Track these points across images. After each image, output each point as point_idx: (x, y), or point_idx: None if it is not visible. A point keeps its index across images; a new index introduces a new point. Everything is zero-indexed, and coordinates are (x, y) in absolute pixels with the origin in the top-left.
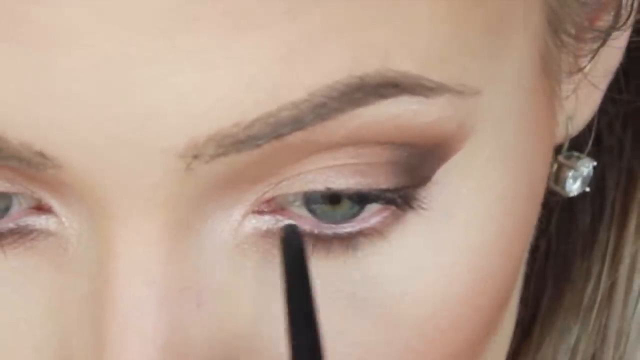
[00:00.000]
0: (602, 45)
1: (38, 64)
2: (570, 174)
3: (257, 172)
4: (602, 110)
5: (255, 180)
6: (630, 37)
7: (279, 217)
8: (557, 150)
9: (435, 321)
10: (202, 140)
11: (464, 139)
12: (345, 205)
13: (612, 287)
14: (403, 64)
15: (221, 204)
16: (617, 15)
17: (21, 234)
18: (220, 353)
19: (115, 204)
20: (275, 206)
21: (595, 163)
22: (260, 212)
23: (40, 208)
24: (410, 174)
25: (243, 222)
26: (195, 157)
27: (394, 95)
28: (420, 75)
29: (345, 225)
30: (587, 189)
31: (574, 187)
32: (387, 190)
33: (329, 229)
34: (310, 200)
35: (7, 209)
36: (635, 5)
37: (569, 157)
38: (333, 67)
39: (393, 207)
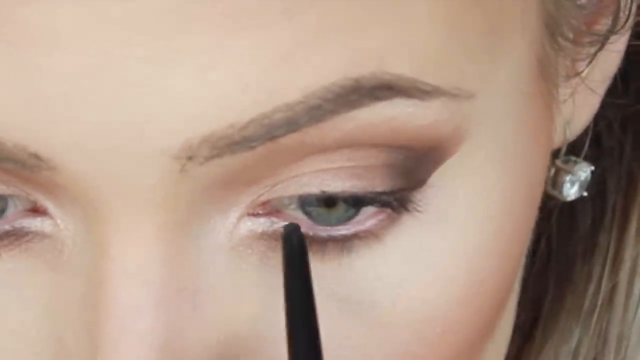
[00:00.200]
0: (600, 49)
1: (33, 65)
2: (568, 178)
3: (252, 174)
4: (602, 113)
5: (251, 182)
6: (630, 40)
7: (274, 219)
8: (555, 154)
9: (432, 324)
10: (197, 141)
11: (460, 142)
12: (341, 208)
13: (612, 290)
14: (399, 67)
15: (216, 206)
16: (616, 19)
17: (16, 235)
18: (217, 355)
19: (110, 206)
20: (270, 208)
21: (592, 167)
22: (256, 215)
23: (36, 210)
24: (405, 176)
25: (238, 224)
26: (190, 158)
27: (389, 97)
28: (416, 78)
29: (340, 227)
30: (585, 193)
31: (571, 191)
32: (383, 193)
33: (323, 231)
34: (305, 202)
35: (2, 211)
36: (634, 8)
37: (566, 162)
38: (328, 69)
39: (389, 210)
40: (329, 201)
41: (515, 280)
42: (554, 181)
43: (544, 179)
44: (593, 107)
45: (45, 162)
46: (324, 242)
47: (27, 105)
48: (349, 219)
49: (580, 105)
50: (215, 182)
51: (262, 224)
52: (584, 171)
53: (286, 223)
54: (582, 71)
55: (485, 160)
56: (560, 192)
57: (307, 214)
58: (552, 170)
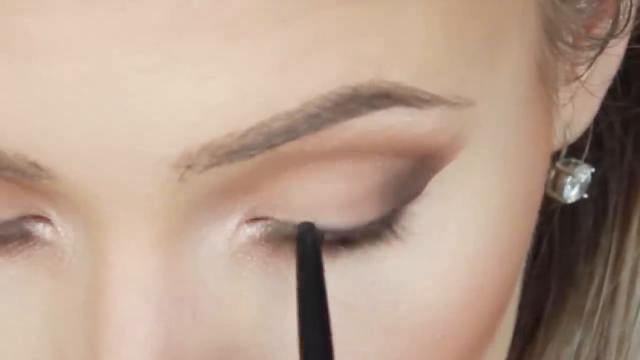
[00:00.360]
0: (600, 53)
1: (32, 74)
2: (568, 180)
3: (251, 182)
4: (603, 114)
5: (249, 191)
6: (630, 43)
7: (268, 222)
8: (555, 157)
9: (432, 328)
10: (196, 150)
11: (458, 149)
12: None
13: (614, 291)
14: (397, 75)
15: (215, 214)
16: (615, 23)
17: (21, 240)
18: None
19: (109, 214)
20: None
21: (593, 169)
22: (254, 220)
23: (38, 216)
24: (401, 193)
25: (237, 231)
26: (189, 167)
27: (387, 106)
28: (414, 87)
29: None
30: (586, 195)
31: (571, 193)
32: (373, 222)
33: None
34: None
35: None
36: (633, 12)
37: (566, 164)
38: (327, 78)
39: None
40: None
41: (516, 284)
42: (555, 183)
43: (543, 182)
44: (593, 109)
45: (45, 170)
46: (323, 248)
47: (27, 114)
48: None
49: (580, 108)
50: (214, 190)
51: (259, 229)
52: (585, 173)
53: (300, 222)
54: (582, 75)
55: (484, 166)
56: (561, 194)
57: None
58: (553, 173)
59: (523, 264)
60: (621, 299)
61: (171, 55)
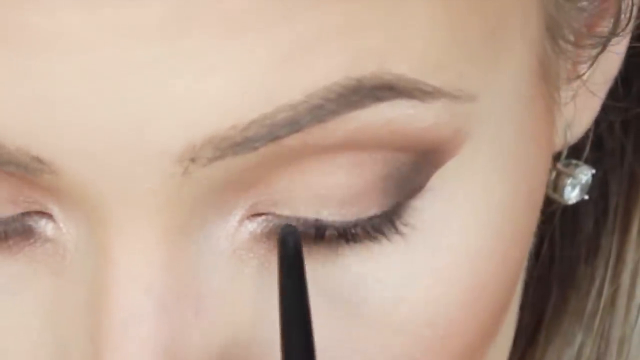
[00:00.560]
0: (602, 51)
1: (34, 69)
2: (569, 181)
3: (254, 176)
4: (603, 115)
5: (252, 185)
6: (631, 42)
7: (272, 217)
8: (556, 157)
9: (433, 327)
10: (199, 143)
11: (460, 145)
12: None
13: (615, 293)
14: (400, 68)
15: (218, 210)
16: (617, 21)
17: (22, 236)
18: (219, 359)
19: (112, 210)
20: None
21: (593, 171)
22: (255, 215)
23: (41, 212)
24: (403, 187)
25: (239, 228)
26: (193, 160)
27: (390, 98)
28: (417, 79)
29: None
30: (586, 197)
31: (572, 194)
32: (374, 217)
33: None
34: None
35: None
36: (635, 11)
37: (567, 165)
38: (330, 69)
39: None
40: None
41: (517, 283)
42: (555, 184)
43: (545, 181)
44: (594, 109)
45: (47, 165)
46: (324, 244)
47: (29, 108)
48: None
49: (581, 108)
50: (218, 185)
51: (260, 224)
52: (585, 174)
53: (283, 224)
54: (583, 74)
55: (486, 163)
56: (561, 195)
57: None
58: (553, 174)
59: (525, 263)
60: (622, 300)
61: (173, 49)
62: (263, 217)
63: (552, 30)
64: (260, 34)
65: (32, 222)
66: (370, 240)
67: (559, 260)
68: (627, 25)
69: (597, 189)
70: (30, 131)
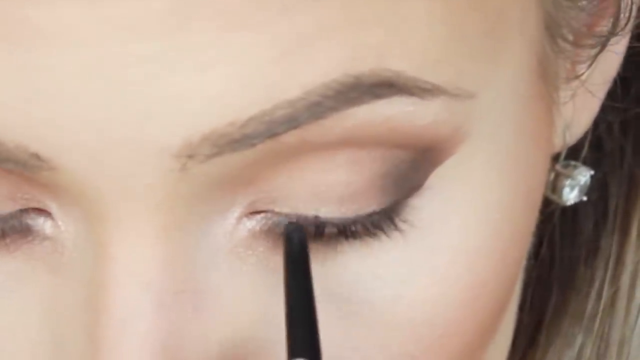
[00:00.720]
0: (601, 51)
1: (32, 64)
2: (567, 182)
3: (252, 173)
4: (602, 116)
5: (250, 183)
6: (630, 42)
7: (269, 214)
8: (555, 158)
9: (431, 326)
10: (197, 139)
11: (459, 143)
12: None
13: (615, 295)
14: (399, 65)
15: (216, 206)
16: (616, 21)
17: (20, 234)
18: (217, 356)
19: (110, 206)
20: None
21: (592, 172)
22: (254, 213)
23: (39, 210)
24: (401, 185)
25: (238, 225)
26: (190, 157)
27: (389, 95)
28: (416, 77)
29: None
30: (585, 198)
31: (570, 196)
32: (373, 214)
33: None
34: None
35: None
36: (634, 10)
37: (566, 166)
38: (328, 66)
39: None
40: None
41: (516, 283)
42: (554, 185)
43: (544, 181)
44: (593, 110)
45: (45, 162)
46: (323, 241)
47: (27, 104)
48: None
49: (580, 108)
50: (216, 182)
51: (259, 222)
52: (584, 176)
53: (288, 221)
54: (583, 74)
55: (484, 162)
56: (560, 196)
57: None
58: (552, 175)
59: (524, 263)
60: (621, 302)
61: (172, 44)
62: (262, 214)
63: (551, 29)
64: (259, 30)
65: (30, 219)
66: (369, 237)
67: (558, 262)
68: (626, 24)
69: (597, 190)
70: (29, 128)
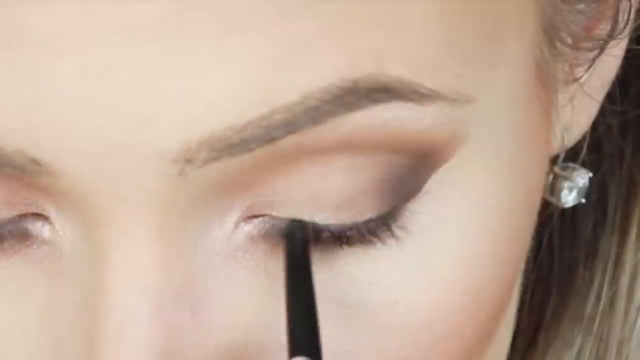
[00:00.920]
0: (599, 54)
1: (31, 70)
2: (566, 185)
3: (250, 178)
4: (602, 118)
5: (248, 187)
6: (629, 45)
7: (267, 219)
8: (553, 161)
9: (429, 329)
10: (195, 144)
11: (457, 147)
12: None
13: (614, 296)
14: (396, 69)
15: (214, 211)
16: (614, 24)
17: (18, 238)
18: None
19: (109, 211)
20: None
21: (591, 174)
22: (252, 217)
23: (37, 214)
24: (399, 190)
25: (236, 229)
26: (189, 161)
27: (387, 100)
28: (413, 81)
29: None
30: (584, 200)
31: (569, 198)
32: (370, 220)
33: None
34: None
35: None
36: (632, 14)
37: (564, 168)
38: (326, 71)
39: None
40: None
41: (515, 286)
42: (552, 188)
43: (542, 184)
44: (591, 113)
45: (44, 166)
46: (320, 246)
47: (26, 109)
48: None
49: (578, 111)
50: (214, 186)
51: (257, 225)
52: (582, 178)
53: (290, 220)
54: (581, 77)
55: (483, 166)
56: (558, 198)
57: None
58: (550, 177)
59: (522, 266)
60: (620, 303)
61: (170, 48)
62: (260, 218)
63: (550, 33)
64: (257, 34)
65: (28, 224)
66: (365, 244)
67: (558, 264)
68: (624, 28)
69: (596, 192)
70: (28, 132)
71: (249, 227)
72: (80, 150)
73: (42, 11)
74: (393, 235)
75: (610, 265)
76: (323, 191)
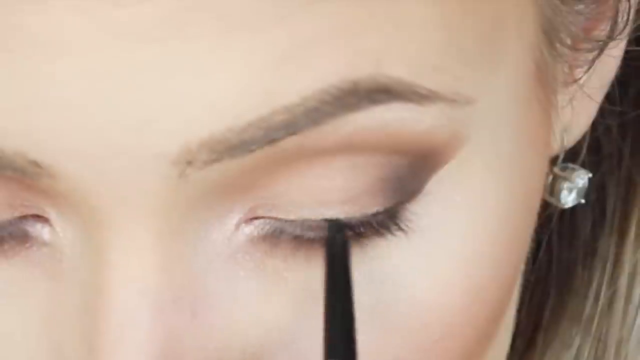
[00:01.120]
0: (599, 55)
1: (31, 72)
2: (566, 185)
3: (250, 180)
4: (600, 119)
5: (248, 189)
6: (628, 46)
7: (267, 220)
8: (553, 161)
9: (429, 329)
10: (195, 145)
11: (457, 148)
12: None
13: (612, 296)
14: (396, 70)
15: (214, 213)
16: (614, 25)
17: (18, 240)
18: None
19: (109, 213)
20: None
21: (590, 175)
22: (252, 219)
23: (37, 216)
24: (400, 190)
25: (236, 231)
26: (189, 163)
27: (387, 101)
28: (413, 82)
29: None
30: (583, 200)
31: (569, 198)
32: (377, 213)
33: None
34: None
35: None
36: (632, 15)
37: (564, 169)
38: (326, 72)
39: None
40: None
41: (514, 287)
42: (552, 188)
43: (542, 186)
44: (591, 113)
45: (44, 169)
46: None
47: (26, 111)
48: None
49: (578, 111)
50: (214, 188)
51: (257, 227)
52: (582, 178)
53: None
54: (581, 78)
55: (483, 167)
56: (558, 199)
57: None
58: (550, 178)
59: (522, 267)
60: (619, 303)
61: (170, 50)
62: (260, 220)
63: (549, 34)
64: (256, 36)
65: (28, 226)
66: (362, 246)
67: (556, 264)
68: (624, 28)
69: (595, 192)
70: (28, 135)
71: (249, 229)
72: (80, 152)
73: (42, 13)
74: (393, 235)
75: (608, 266)
76: (323, 192)
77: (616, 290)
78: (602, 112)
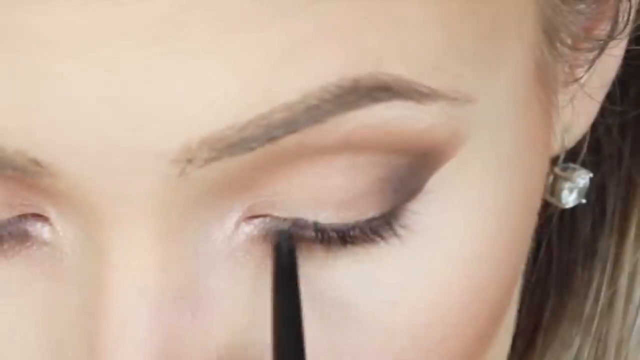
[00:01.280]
0: (599, 55)
1: (31, 70)
2: (566, 185)
3: (251, 178)
4: (601, 118)
5: (248, 188)
6: (629, 45)
7: (267, 219)
8: (553, 161)
9: (430, 330)
10: (196, 144)
11: (457, 147)
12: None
13: (612, 296)
14: (396, 69)
15: (215, 212)
16: (614, 25)
17: (18, 240)
18: None
19: (109, 212)
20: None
21: (591, 175)
22: (252, 217)
23: (37, 215)
24: (401, 190)
25: (236, 230)
26: (189, 161)
27: (387, 99)
28: (413, 80)
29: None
30: (584, 200)
31: (569, 198)
32: (373, 219)
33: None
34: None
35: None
36: (632, 14)
37: (564, 169)
38: (326, 70)
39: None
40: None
41: (515, 287)
42: (553, 188)
43: (542, 185)
44: (591, 113)
45: (45, 168)
46: (322, 246)
47: (26, 110)
48: None
49: (578, 111)
50: (214, 187)
51: (257, 226)
52: (583, 178)
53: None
54: (581, 77)
55: (483, 166)
56: (559, 199)
57: None
58: (551, 178)
59: (522, 267)
60: (619, 303)
61: (170, 48)
62: (260, 219)
63: (550, 33)
64: (256, 34)
65: (28, 225)
66: (367, 243)
67: (556, 264)
68: (624, 28)
69: (595, 192)
70: (28, 133)
71: (249, 228)
72: (80, 150)
73: (42, 12)
74: (395, 234)
75: (608, 266)
76: (324, 191)
77: (616, 290)
78: (602, 111)
